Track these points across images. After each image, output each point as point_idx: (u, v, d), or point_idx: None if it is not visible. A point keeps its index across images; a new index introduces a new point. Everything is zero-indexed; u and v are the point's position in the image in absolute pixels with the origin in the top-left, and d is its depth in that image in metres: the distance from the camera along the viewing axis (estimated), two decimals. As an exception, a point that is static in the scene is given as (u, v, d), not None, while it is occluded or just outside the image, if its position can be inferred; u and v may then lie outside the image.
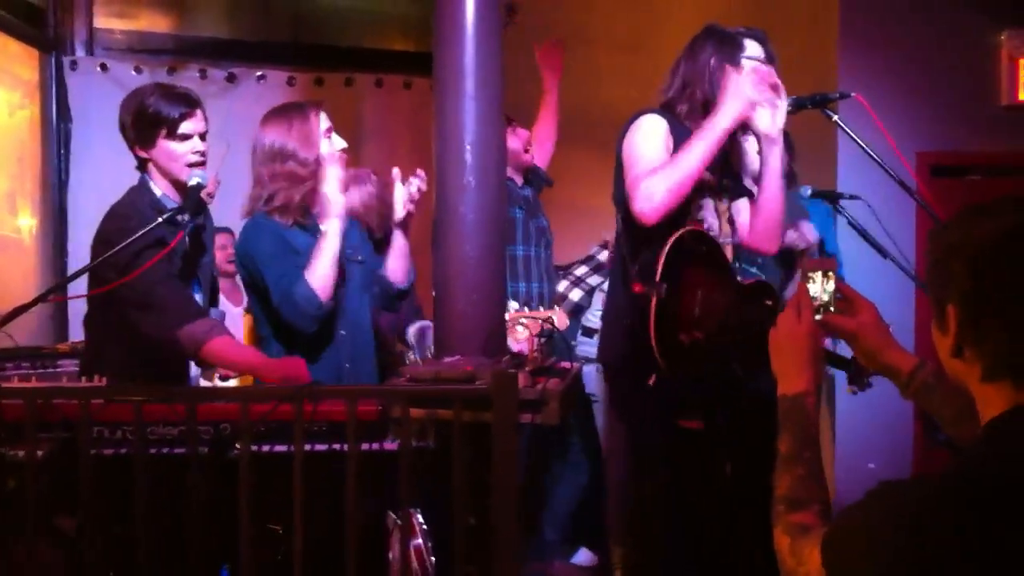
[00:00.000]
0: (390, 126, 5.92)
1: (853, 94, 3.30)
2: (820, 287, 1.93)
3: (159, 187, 3.06)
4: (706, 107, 2.91)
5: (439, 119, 3.04)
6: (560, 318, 3.12)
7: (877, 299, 4.54)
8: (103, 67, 5.54)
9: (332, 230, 3.08)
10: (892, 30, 4.55)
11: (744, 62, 2.96)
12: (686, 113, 2.96)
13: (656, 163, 2.82)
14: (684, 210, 2.86)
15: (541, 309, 3.10)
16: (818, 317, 1.79)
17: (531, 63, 4.55)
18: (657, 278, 2.60)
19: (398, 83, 5.99)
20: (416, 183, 3.25)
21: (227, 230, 4.58)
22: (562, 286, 4.35)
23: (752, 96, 2.85)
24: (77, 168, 5.48)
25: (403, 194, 3.28)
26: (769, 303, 2.97)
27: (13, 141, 5.18)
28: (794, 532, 1.53)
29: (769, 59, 3.03)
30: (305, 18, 6.18)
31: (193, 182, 3.00)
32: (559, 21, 4.80)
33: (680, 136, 2.89)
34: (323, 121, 3.25)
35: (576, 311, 4.56)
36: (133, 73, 5.55)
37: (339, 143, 3.26)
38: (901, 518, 1.28)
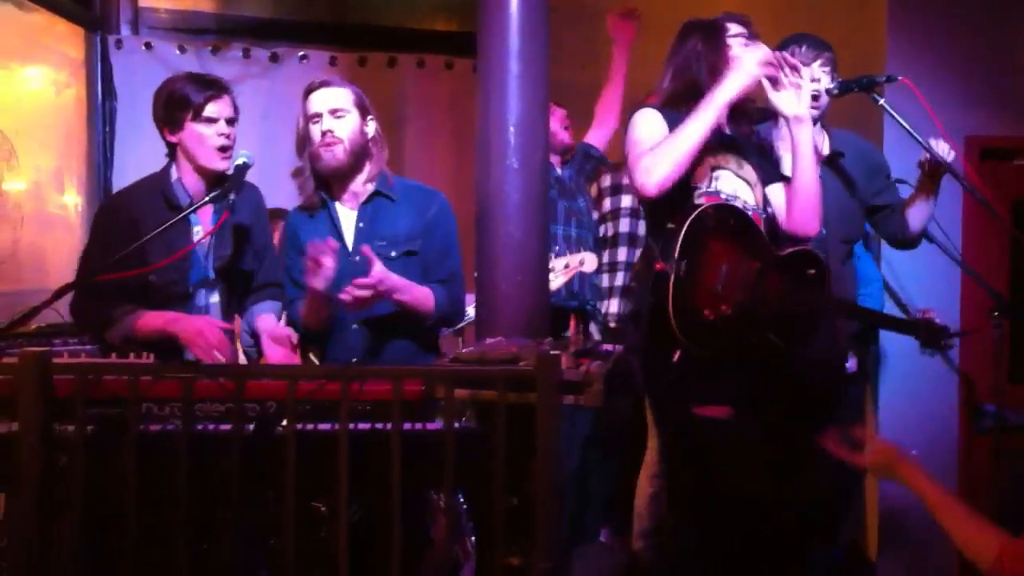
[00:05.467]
0: (432, 107, 5.92)
1: (900, 78, 3.26)
2: None
3: (183, 174, 3.09)
4: (696, 89, 2.92)
5: (483, 100, 3.03)
6: (589, 261, 3.12)
7: (923, 284, 4.47)
8: (147, 46, 5.56)
9: None
10: (941, 11, 4.47)
11: (732, 41, 2.98)
12: (678, 100, 2.96)
13: (655, 143, 2.86)
14: (689, 182, 2.88)
15: (568, 253, 3.11)
16: None
17: (574, 45, 4.50)
18: (676, 255, 2.62)
19: (440, 64, 5.97)
20: None
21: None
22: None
23: (755, 72, 2.85)
24: (122, 146, 5.51)
25: None
26: (812, 272, 2.93)
27: (59, 119, 5.24)
28: None
29: (752, 37, 3.03)
30: (348, -2, 6.20)
31: (239, 161, 3.03)
32: (609, 7, 4.74)
33: (675, 124, 2.89)
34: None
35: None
36: (177, 52, 5.58)
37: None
38: None
